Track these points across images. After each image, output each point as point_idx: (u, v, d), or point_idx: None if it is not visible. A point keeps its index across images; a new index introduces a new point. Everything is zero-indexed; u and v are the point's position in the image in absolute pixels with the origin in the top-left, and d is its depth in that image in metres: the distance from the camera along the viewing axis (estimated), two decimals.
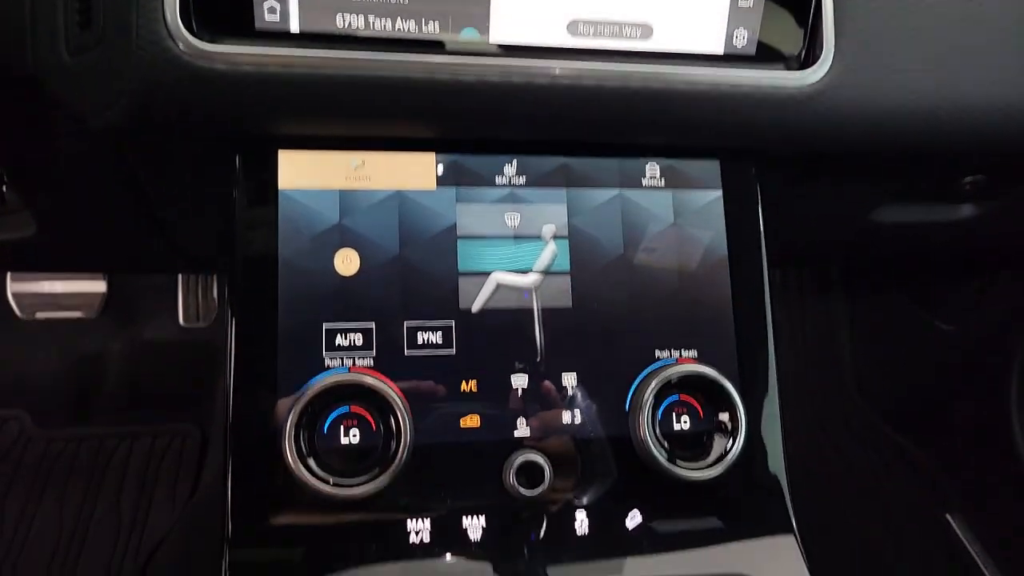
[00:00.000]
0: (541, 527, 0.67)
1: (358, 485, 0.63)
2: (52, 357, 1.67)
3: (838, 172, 0.83)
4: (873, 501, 1.75)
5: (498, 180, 0.72)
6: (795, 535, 0.70)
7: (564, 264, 0.72)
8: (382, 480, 0.63)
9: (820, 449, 1.84)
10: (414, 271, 0.69)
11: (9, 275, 1.58)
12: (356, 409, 0.66)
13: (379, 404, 0.65)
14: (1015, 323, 1.58)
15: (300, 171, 0.69)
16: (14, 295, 1.60)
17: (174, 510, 1.54)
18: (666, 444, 0.69)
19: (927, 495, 1.74)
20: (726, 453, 0.69)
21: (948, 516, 1.73)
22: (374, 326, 0.68)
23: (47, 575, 1.41)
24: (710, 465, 0.69)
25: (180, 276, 1.67)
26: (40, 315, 1.63)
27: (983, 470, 1.68)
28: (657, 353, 0.72)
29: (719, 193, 0.76)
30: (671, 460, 0.68)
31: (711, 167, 0.76)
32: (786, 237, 0.80)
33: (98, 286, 1.63)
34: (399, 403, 0.65)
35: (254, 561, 0.62)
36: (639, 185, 0.74)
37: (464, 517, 0.66)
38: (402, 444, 0.64)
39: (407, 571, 0.63)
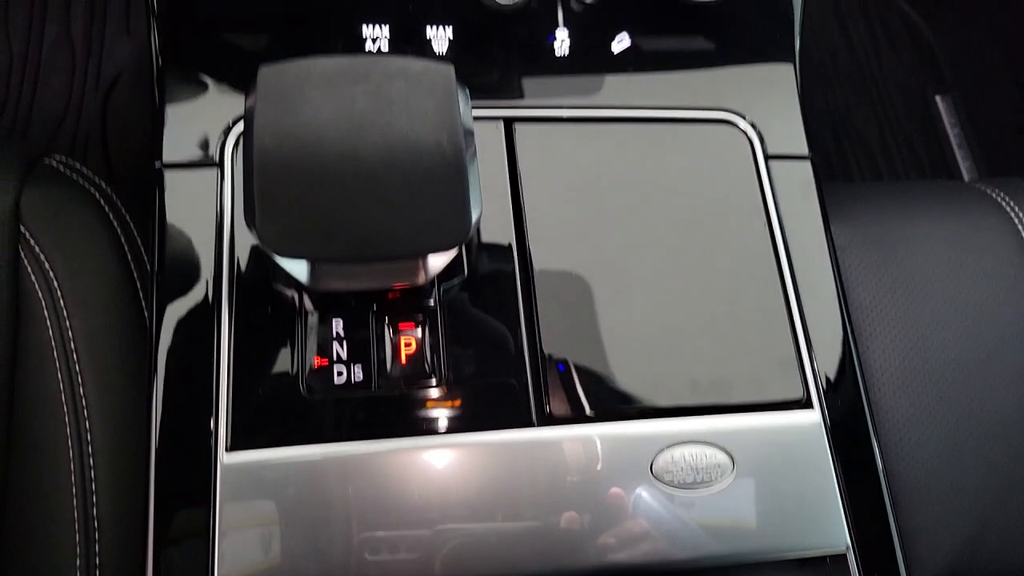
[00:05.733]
0: (516, 44, 0.59)
1: None
2: None
3: None
4: (866, 78, 1.70)
5: None
6: (795, 66, 0.62)
7: None
8: None
9: (824, 26, 1.73)
10: None
11: None
12: None
13: None
14: None
15: None
16: None
17: (131, 40, 1.44)
18: None
19: (922, 75, 1.69)
20: None
21: (937, 97, 1.69)
22: None
23: (5, 102, 1.36)
24: None
25: None
26: None
27: (986, 53, 1.61)
28: None
29: None
30: None
31: None
32: None
33: None
34: None
35: (188, 71, 0.54)
36: None
37: (428, 26, 0.57)
38: None
39: None
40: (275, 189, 0.43)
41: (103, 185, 0.68)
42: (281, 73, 0.44)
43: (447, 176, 0.43)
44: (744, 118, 0.61)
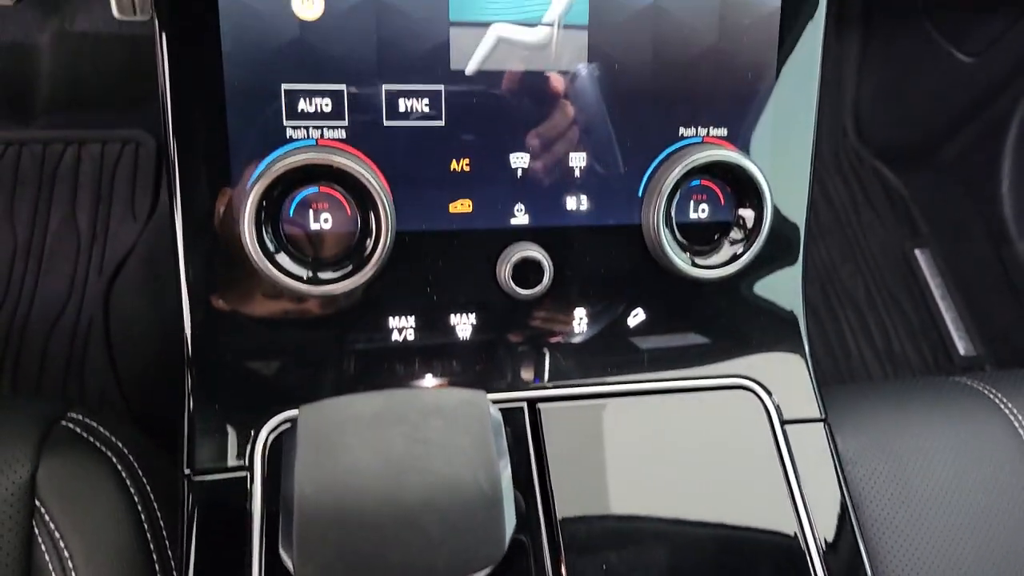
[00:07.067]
0: (536, 325, 0.61)
1: (336, 281, 0.55)
2: None
3: None
4: (847, 234, 1.76)
5: None
6: (805, 358, 0.65)
7: (581, 15, 0.58)
8: (362, 275, 0.55)
9: None
10: (394, 18, 0.55)
11: None
12: (327, 190, 0.56)
13: (354, 184, 0.55)
14: None
15: None
16: None
17: (135, 224, 1.47)
18: (680, 236, 0.62)
19: (900, 230, 1.75)
20: (742, 253, 0.62)
21: (916, 251, 1.75)
22: (345, 88, 0.55)
23: (7, 292, 1.37)
24: (723, 264, 0.62)
25: None
26: None
27: (959, 208, 1.68)
28: (682, 131, 0.61)
29: None
30: (684, 255, 0.61)
31: None
32: None
33: None
34: (377, 186, 0.55)
35: (218, 380, 0.56)
36: None
37: (452, 314, 0.59)
38: (383, 234, 0.55)
39: (388, 371, 0.58)
40: (315, 533, 0.43)
41: (119, 446, 0.68)
42: (321, 415, 0.45)
43: (484, 509, 0.45)
44: (759, 384, 0.63)
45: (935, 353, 1.67)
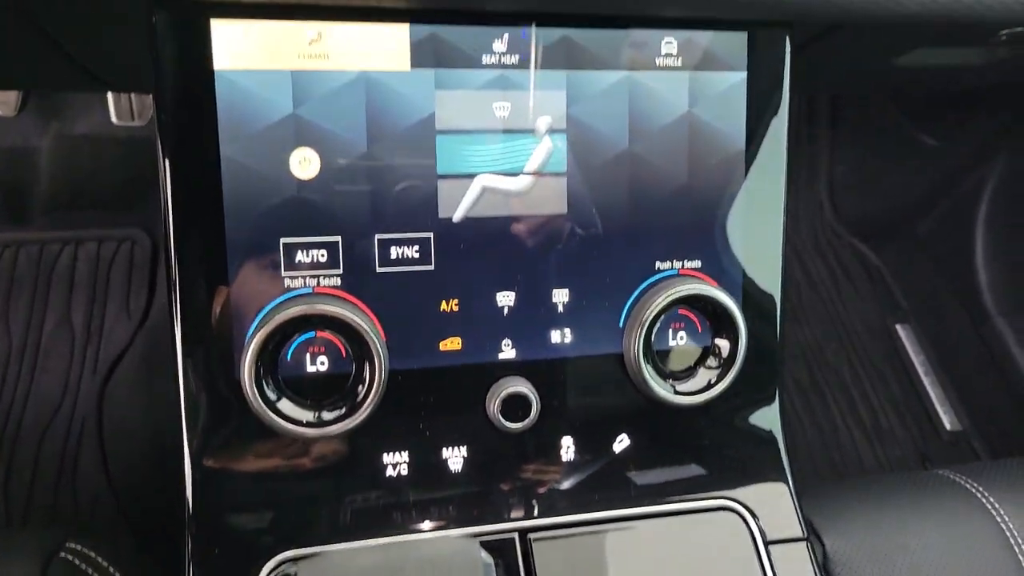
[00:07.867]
0: (525, 456, 0.64)
1: (334, 423, 0.58)
2: None
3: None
4: (830, 312, 1.80)
5: (485, 59, 0.59)
6: (786, 478, 0.68)
7: (560, 163, 0.62)
8: (358, 415, 0.58)
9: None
10: (385, 173, 0.59)
11: None
12: (323, 335, 0.59)
13: (348, 329, 0.58)
14: (997, 140, 1.53)
15: (240, 46, 0.55)
16: None
17: (130, 322, 1.49)
18: (659, 363, 0.65)
19: (881, 306, 1.79)
20: (716, 381, 0.65)
21: (898, 327, 1.79)
22: (340, 240, 0.59)
23: (1, 394, 1.39)
24: (700, 391, 0.65)
25: None
26: None
27: (937, 283, 1.72)
28: (658, 264, 0.65)
29: (743, 75, 0.64)
30: (664, 382, 0.64)
31: (737, 42, 0.64)
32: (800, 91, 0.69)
33: None
34: (371, 330, 0.58)
35: (217, 531, 0.58)
36: (652, 65, 0.62)
37: (444, 448, 0.62)
38: (376, 375, 0.58)
39: (384, 507, 0.60)
40: None
41: None
42: (320, 569, 0.47)
43: None
44: (743, 505, 0.66)
45: (921, 428, 1.69)
